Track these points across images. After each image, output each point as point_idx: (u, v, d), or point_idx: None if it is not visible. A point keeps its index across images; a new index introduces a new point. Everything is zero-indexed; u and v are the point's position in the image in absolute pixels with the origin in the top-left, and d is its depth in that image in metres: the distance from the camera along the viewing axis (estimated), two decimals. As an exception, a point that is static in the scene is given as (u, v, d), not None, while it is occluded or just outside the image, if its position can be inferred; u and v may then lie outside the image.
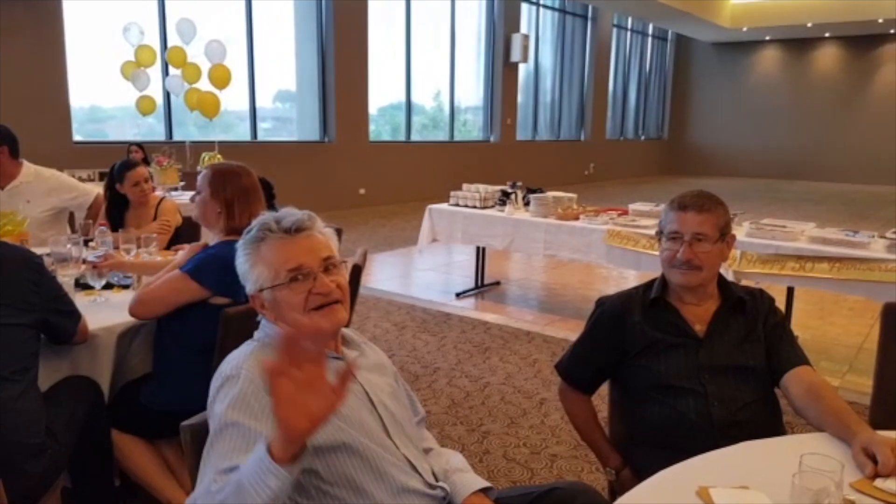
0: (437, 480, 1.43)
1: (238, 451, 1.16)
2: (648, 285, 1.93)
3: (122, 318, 2.18)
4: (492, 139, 13.89)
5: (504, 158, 13.66)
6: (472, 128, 13.91)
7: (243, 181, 2.23)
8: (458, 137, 13.37)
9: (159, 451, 2.20)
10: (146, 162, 5.28)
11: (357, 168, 10.88)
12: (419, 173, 12.02)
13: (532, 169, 13.58)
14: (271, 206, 2.92)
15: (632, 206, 5.02)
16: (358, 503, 1.29)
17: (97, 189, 3.82)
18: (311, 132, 10.61)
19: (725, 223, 1.83)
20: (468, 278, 6.02)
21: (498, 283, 6.01)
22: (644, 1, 13.35)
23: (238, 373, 1.27)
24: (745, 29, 16.77)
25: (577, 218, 4.88)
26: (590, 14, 16.01)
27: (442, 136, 13.15)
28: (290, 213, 1.39)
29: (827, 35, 17.48)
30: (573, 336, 4.37)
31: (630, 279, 6.38)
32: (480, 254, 5.76)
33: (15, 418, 1.63)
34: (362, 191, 10.96)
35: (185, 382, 2.08)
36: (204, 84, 7.12)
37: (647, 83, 19.45)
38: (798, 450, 1.45)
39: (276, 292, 1.35)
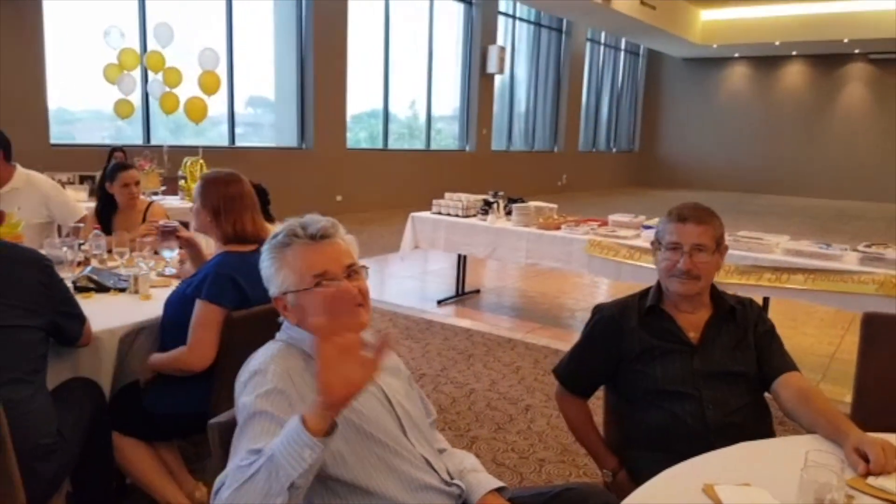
0: (451, 479, 1.47)
1: (269, 435, 1.19)
2: (644, 293, 2.00)
3: (123, 320, 2.20)
4: (467, 149, 14.01)
5: (479, 168, 13.78)
6: (445, 137, 14.01)
7: (230, 189, 2.25)
8: (432, 146, 13.46)
9: (158, 453, 2.20)
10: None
11: (334, 175, 10.88)
12: (396, 181, 12.07)
13: (506, 178, 13.70)
14: (266, 212, 2.94)
15: (611, 217, 5.12)
16: (374, 501, 1.34)
17: (85, 210, 3.75)
18: (289, 138, 10.60)
19: (721, 234, 1.91)
20: (446, 286, 6.08)
21: (478, 292, 6.08)
22: (617, 16, 13.61)
23: (266, 368, 1.31)
24: (715, 46, 17.19)
25: (558, 228, 4.97)
26: (564, 28, 16.26)
27: (418, 144, 13.22)
28: (315, 220, 1.44)
29: (794, 53, 18.01)
30: (554, 344, 4.51)
31: (604, 288, 6.49)
32: (461, 262, 5.82)
33: (28, 419, 1.65)
34: (339, 197, 10.96)
35: (189, 386, 2.11)
36: (184, 89, 7.10)
37: (619, 96, 19.80)
38: (791, 450, 1.53)
39: (300, 296, 1.40)
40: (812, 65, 18.20)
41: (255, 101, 10.62)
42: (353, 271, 1.43)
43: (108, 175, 3.38)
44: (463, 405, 3.54)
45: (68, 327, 1.96)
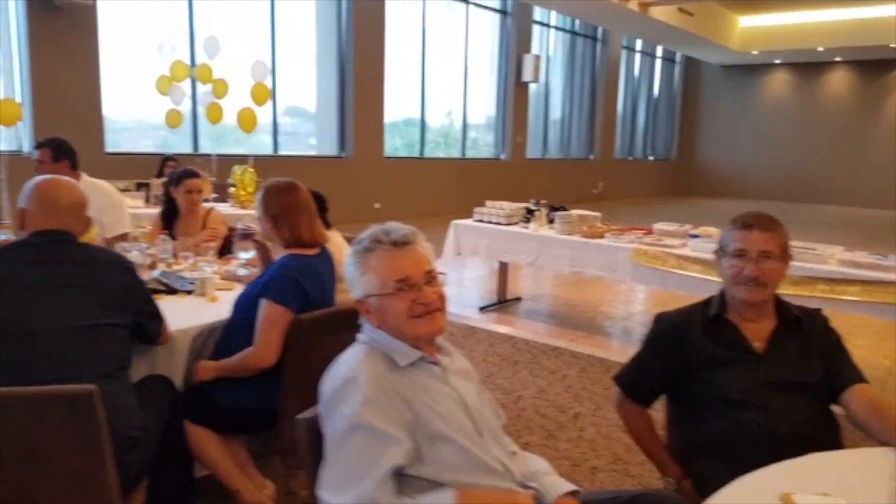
0: (526, 482, 1.50)
1: (374, 455, 1.28)
2: (706, 303, 2.00)
3: (194, 321, 2.31)
4: (503, 157, 14.03)
5: (514, 176, 13.79)
6: (480, 145, 14.06)
7: (287, 198, 2.37)
8: (468, 154, 13.52)
9: (228, 446, 2.29)
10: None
11: (372, 183, 11.00)
12: (432, 189, 12.16)
13: (542, 186, 13.66)
14: (323, 219, 3.02)
15: (656, 226, 5.09)
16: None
17: (129, 228, 3.77)
18: (329, 147, 10.77)
19: (786, 242, 1.92)
20: (485, 293, 6.11)
21: (519, 299, 6.08)
22: (655, 24, 13.52)
23: (357, 375, 1.37)
24: (754, 52, 16.95)
25: (601, 236, 4.97)
26: (599, 36, 16.20)
27: (453, 152, 13.30)
28: (397, 228, 1.51)
29: (838, 59, 17.63)
30: (600, 353, 4.50)
31: (646, 297, 6.45)
32: (503, 269, 5.84)
33: (117, 413, 1.73)
34: (377, 205, 11.06)
35: (257, 384, 2.21)
36: (229, 99, 7.30)
37: (655, 104, 19.60)
38: (867, 461, 1.53)
39: (382, 300, 1.46)
40: (857, 71, 17.79)
41: (291, 111, 10.83)
42: (431, 277, 1.50)
43: (175, 180, 3.51)
44: (511, 412, 3.55)
45: (149, 326, 2.07)
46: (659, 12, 13.14)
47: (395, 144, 12.22)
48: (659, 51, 19.01)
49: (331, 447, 1.35)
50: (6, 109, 5.77)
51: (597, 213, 5.34)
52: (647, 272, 4.61)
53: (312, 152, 10.96)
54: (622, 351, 4.66)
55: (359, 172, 10.77)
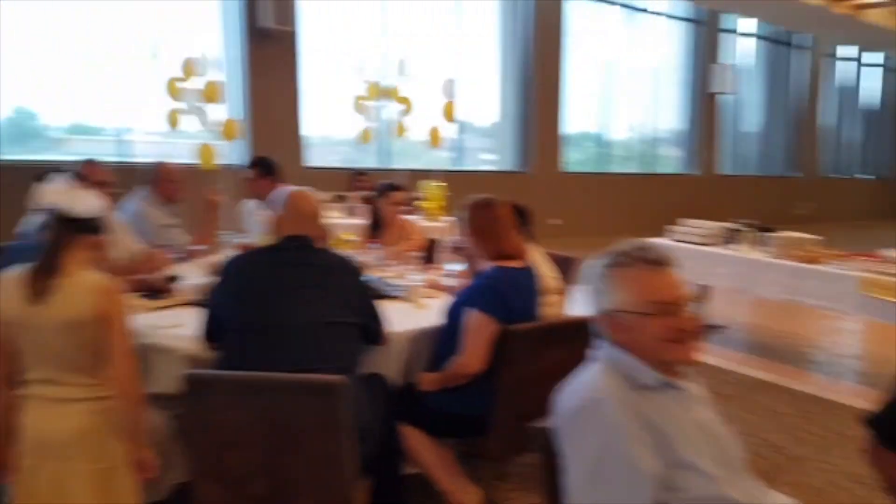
0: None
1: (633, 489, 1.26)
2: None
3: (407, 325, 2.40)
4: (692, 172, 13.29)
5: (704, 192, 12.97)
6: (664, 159, 13.43)
7: (488, 214, 2.46)
8: (653, 170, 12.97)
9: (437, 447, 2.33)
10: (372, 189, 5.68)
11: (551, 198, 10.87)
12: (614, 205, 11.79)
13: (734, 205, 12.70)
14: (525, 231, 2.98)
15: (884, 252, 4.48)
16: None
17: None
18: (509, 161, 10.86)
19: None
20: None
21: (724, 327, 5.58)
22: (868, 28, 12.12)
23: (600, 396, 1.33)
24: None
25: (817, 262, 4.46)
26: (801, 43, 14.85)
27: (634, 167, 12.81)
28: (653, 246, 1.43)
29: None
30: (827, 394, 4.02)
31: (858, 331, 5.67)
32: (704, 294, 5.41)
33: (350, 405, 1.80)
34: (557, 221, 10.90)
35: (468, 390, 2.23)
36: (414, 116, 7.62)
37: (871, 116, 17.53)
38: None
39: (635, 318, 1.37)
40: None
41: (463, 126, 11.08)
42: (686, 302, 1.39)
43: (380, 191, 3.70)
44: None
45: (374, 328, 2.17)
46: (874, 14, 11.80)
47: (571, 159, 12.06)
48: (872, 58, 17.05)
49: (582, 472, 1.30)
50: (229, 128, 6.41)
51: (816, 237, 4.80)
52: (876, 304, 4.04)
53: (488, 167, 11.07)
54: (844, 392, 4.12)
55: (538, 187, 10.71)
